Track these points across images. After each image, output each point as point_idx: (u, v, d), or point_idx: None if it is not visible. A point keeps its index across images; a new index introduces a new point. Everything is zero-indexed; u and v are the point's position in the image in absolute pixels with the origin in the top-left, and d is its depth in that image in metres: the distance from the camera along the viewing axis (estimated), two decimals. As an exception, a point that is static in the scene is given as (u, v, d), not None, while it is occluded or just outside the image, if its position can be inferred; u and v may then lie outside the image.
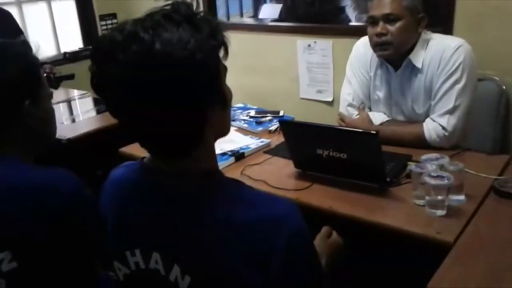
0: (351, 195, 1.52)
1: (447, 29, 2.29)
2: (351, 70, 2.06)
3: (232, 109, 0.97)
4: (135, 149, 1.67)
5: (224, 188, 0.90)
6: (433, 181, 1.35)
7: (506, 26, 2.21)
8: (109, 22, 3.83)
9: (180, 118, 0.81)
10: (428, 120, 1.83)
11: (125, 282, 0.93)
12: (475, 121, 1.93)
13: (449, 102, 1.78)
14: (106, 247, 0.95)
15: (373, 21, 1.83)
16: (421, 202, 1.42)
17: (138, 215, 0.90)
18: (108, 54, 0.79)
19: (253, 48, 3.20)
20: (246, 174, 1.73)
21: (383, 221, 1.39)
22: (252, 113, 2.36)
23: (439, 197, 1.36)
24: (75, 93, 2.96)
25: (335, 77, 2.89)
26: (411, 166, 1.52)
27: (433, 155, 1.55)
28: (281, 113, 2.34)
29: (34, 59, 1.15)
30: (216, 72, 0.84)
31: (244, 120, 2.29)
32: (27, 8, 3.54)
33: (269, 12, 4.03)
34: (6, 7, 2.89)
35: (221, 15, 3.94)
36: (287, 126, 1.73)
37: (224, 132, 0.95)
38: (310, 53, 2.98)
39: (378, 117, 1.97)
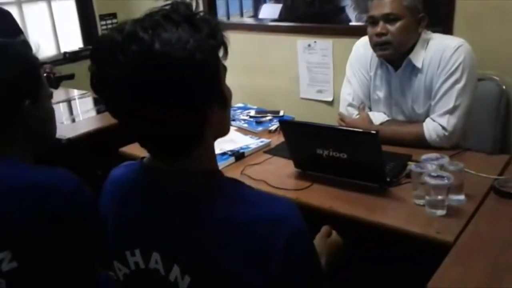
0: (351, 195, 1.52)
1: (447, 29, 2.29)
2: (351, 70, 2.06)
3: (232, 109, 0.97)
4: (135, 149, 1.66)
5: (224, 188, 0.90)
6: (433, 181, 1.35)
7: (506, 26, 2.22)
8: (109, 22, 3.83)
9: (179, 118, 0.81)
10: (428, 120, 1.83)
11: (125, 282, 0.93)
12: (475, 121, 1.93)
13: (449, 102, 1.78)
14: (106, 247, 0.95)
15: (373, 21, 1.83)
16: (421, 202, 1.42)
17: (138, 215, 0.90)
18: (107, 54, 0.79)
19: (253, 48, 3.20)
20: (246, 174, 1.73)
21: (383, 221, 1.39)
22: (252, 113, 2.36)
23: (439, 197, 1.36)
24: (75, 93, 2.96)
25: (335, 77, 2.89)
26: (411, 166, 1.52)
27: (433, 155, 1.54)
28: (281, 113, 2.34)
29: (34, 59, 1.15)
30: (215, 72, 0.84)
31: (244, 120, 2.29)
32: (27, 8, 3.54)
33: (269, 12, 4.03)
34: (6, 7, 2.89)
35: (221, 15, 3.94)
36: (287, 126, 1.73)
37: (224, 132, 0.95)
38: (310, 53, 2.98)
39: (378, 117, 1.97)
